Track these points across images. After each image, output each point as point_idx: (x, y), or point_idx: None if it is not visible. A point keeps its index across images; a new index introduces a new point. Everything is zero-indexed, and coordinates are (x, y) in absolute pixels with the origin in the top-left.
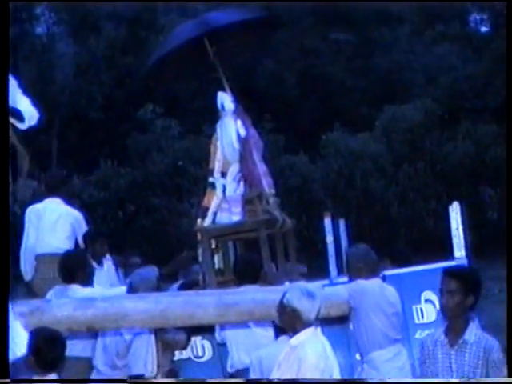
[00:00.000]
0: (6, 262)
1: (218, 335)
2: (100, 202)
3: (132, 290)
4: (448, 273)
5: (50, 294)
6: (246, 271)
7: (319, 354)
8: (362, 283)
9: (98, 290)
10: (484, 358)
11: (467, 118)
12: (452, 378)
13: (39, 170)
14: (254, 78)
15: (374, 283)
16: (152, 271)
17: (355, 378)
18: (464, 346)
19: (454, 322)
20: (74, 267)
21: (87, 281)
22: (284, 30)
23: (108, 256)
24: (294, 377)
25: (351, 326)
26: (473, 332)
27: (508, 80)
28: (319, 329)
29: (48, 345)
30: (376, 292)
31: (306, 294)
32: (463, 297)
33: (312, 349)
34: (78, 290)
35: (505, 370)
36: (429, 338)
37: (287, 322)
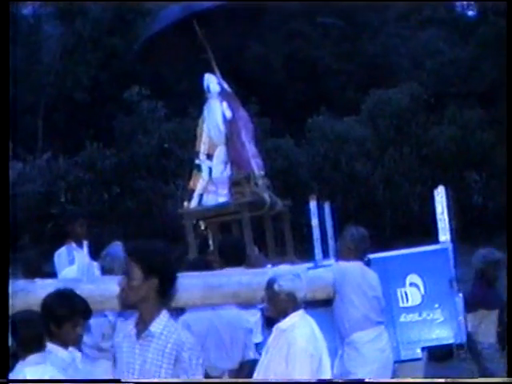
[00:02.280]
0: (6, 261)
1: None
2: (85, 183)
3: (106, 272)
4: (127, 253)
5: (72, 269)
6: (230, 253)
7: (308, 338)
8: (343, 265)
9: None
10: (172, 355)
11: (453, 103)
12: (134, 374)
13: (24, 151)
14: (241, 61)
15: (355, 266)
16: (118, 247)
17: (337, 359)
18: (149, 338)
19: (140, 311)
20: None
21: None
22: (271, 14)
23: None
24: (283, 361)
25: (333, 308)
26: (162, 323)
27: (508, 81)
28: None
29: (25, 325)
30: (357, 274)
31: (297, 276)
32: (142, 280)
33: (301, 332)
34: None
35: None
36: (121, 327)
37: (279, 308)
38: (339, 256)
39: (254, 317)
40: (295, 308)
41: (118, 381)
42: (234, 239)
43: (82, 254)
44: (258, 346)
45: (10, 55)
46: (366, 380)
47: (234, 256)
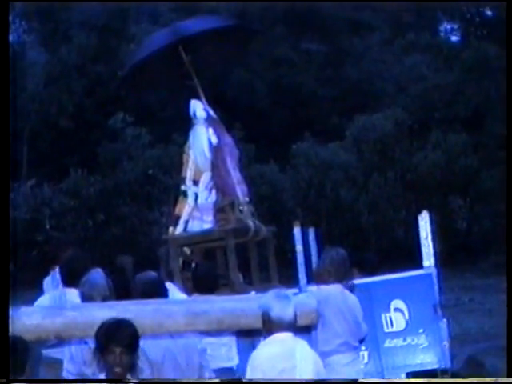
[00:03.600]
0: (6, 261)
1: None
2: (70, 210)
3: (85, 299)
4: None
5: (43, 298)
6: (202, 280)
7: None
8: (325, 289)
9: None
10: None
11: (437, 128)
12: None
13: (9, 178)
14: (225, 87)
15: (336, 289)
16: (97, 274)
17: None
18: None
19: None
20: (76, 271)
21: None
22: (255, 40)
23: None
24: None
25: (313, 332)
26: None
27: (508, 82)
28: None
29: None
30: (338, 299)
31: (285, 299)
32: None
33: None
34: (75, 294)
35: None
36: None
37: (267, 331)
38: (319, 278)
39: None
40: (283, 331)
41: (119, 381)
42: (206, 267)
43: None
44: (236, 370)
45: None
46: (366, 380)
47: (205, 283)
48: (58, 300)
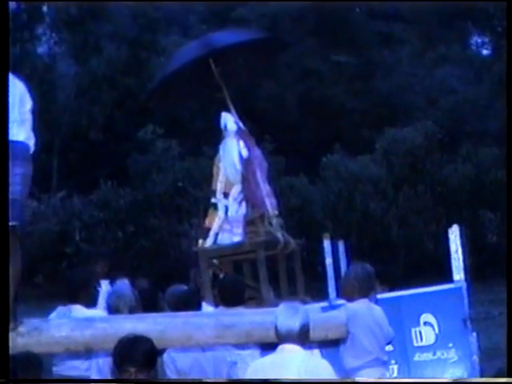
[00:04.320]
0: (6, 262)
1: None
2: (100, 222)
3: (112, 310)
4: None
5: (52, 315)
6: (229, 294)
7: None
8: (352, 306)
9: (100, 312)
10: None
11: (467, 141)
12: None
13: (39, 190)
14: (255, 100)
15: (362, 305)
16: (124, 285)
17: None
18: None
19: None
20: (78, 287)
21: (91, 301)
22: (285, 52)
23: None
24: None
25: (341, 346)
26: None
27: (508, 83)
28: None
29: (23, 369)
30: (366, 315)
31: (295, 311)
32: None
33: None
34: (80, 311)
35: None
36: None
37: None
38: (343, 294)
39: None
40: (288, 342)
41: (120, 381)
42: (233, 279)
43: (100, 293)
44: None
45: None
46: (366, 380)
47: (232, 295)
48: (62, 317)
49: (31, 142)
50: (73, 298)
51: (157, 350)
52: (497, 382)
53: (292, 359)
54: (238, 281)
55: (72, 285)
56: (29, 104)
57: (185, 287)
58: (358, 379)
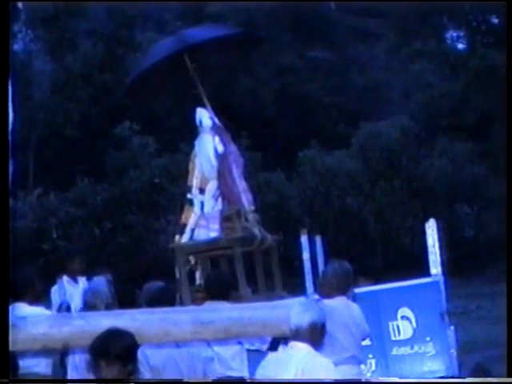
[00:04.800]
0: (6, 262)
1: None
2: (77, 219)
3: (89, 307)
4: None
5: None
6: (215, 288)
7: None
8: (328, 303)
9: (41, 310)
10: None
11: (444, 136)
12: None
13: (16, 187)
14: (231, 95)
15: (339, 302)
16: (101, 282)
17: None
18: None
19: None
20: (23, 285)
21: (35, 299)
22: (261, 48)
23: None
24: None
25: None
26: None
27: (508, 84)
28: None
29: None
30: (343, 313)
31: (301, 308)
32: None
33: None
34: (23, 309)
35: None
36: None
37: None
38: (322, 291)
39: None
40: (295, 339)
41: (121, 381)
42: (219, 273)
43: (77, 290)
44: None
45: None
46: (368, 380)
47: (219, 290)
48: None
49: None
50: (17, 296)
51: (133, 345)
52: (497, 382)
53: (293, 356)
54: (224, 275)
55: (16, 283)
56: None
57: (161, 284)
58: (358, 379)
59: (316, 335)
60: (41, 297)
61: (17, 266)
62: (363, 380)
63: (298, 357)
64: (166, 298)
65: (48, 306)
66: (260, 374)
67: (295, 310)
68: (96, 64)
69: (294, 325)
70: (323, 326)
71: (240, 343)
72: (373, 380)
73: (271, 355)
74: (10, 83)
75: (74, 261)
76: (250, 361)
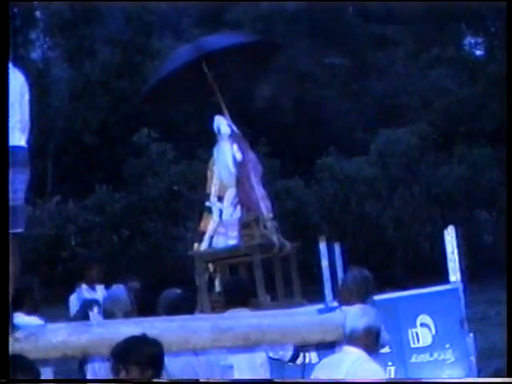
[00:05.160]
0: (6, 261)
1: None
2: (95, 226)
3: (107, 315)
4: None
5: None
6: (234, 294)
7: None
8: (347, 310)
9: (35, 319)
10: None
11: (462, 142)
12: None
13: (34, 195)
14: (249, 103)
15: (358, 309)
16: (120, 290)
17: None
18: None
19: None
20: (20, 294)
21: (33, 309)
22: (279, 55)
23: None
24: None
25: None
26: None
27: (508, 83)
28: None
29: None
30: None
31: (358, 313)
32: None
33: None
34: (20, 318)
35: None
36: None
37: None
38: (341, 298)
39: (259, 358)
40: (348, 344)
41: (121, 381)
42: (238, 280)
43: (96, 297)
44: None
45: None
46: (366, 380)
47: (237, 296)
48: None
49: (26, 130)
50: (15, 306)
51: (156, 353)
52: (497, 382)
53: (345, 360)
54: (243, 281)
55: (15, 292)
56: (27, 95)
57: (179, 291)
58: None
59: (370, 340)
60: (39, 306)
61: (35, 274)
62: (362, 380)
63: (349, 361)
64: (185, 306)
65: (66, 314)
66: (316, 375)
67: (351, 314)
68: (114, 71)
69: (349, 328)
70: (378, 331)
71: (263, 351)
72: (373, 380)
73: (327, 358)
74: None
75: (93, 268)
76: (273, 369)
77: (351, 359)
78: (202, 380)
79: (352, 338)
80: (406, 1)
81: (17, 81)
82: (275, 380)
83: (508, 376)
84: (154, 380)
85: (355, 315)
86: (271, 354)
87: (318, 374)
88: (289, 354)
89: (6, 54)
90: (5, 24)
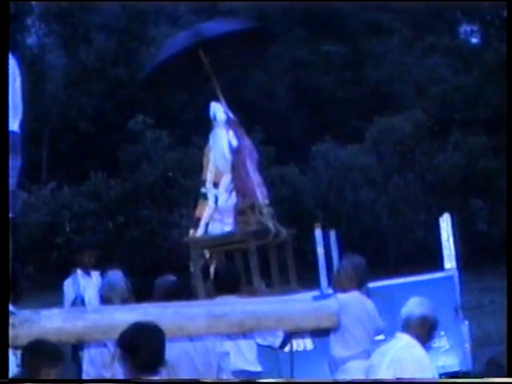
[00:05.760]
0: (6, 261)
1: None
2: (90, 212)
3: (104, 301)
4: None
5: None
6: (225, 281)
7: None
8: (342, 297)
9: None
10: None
11: (457, 130)
12: None
13: (29, 181)
14: (245, 89)
15: (354, 296)
16: (117, 276)
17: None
18: None
19: None
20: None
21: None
22: (275, 42)
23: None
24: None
25: (331, 337)
26: None
27: (508, 81)
28: None
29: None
30: (357, 305)
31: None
32: None
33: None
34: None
35: None
36: None
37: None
38: (337, 285)
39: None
40: (403, 331)
41: (120, 381)
42: (228, 266)
43: (90, 283)
44: (260, 375)
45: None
46: (366, 380)
47: (227, 283)
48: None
49: (19, 115)
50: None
51: (163, 340)
52: (497, 382)
53: (394, 346)
54: (233, 268)
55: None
56: (18, 78)
57: (173, 278)
58: (360, 379)
59: (425, 330)
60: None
61: (30, 259)
62: (363, 380)
63: (396, 347)
64: (181, 292)
65: (60, 298)
66: (369, 363)
67: (409, 303)
68: (109, 58)
69: (404, 315)
70: (434, 323)
71: (252, 338)
72: (373, 380)
73: (382, 346)
74: (19, 79)
75: (85, 253)
76: (262, 356)
77: (399, 345)
78: (203, 380)
79: (407, 326)
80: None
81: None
82: (277, 380)
83: (508, 376)
84: (154, 379)
85: (412, 304)
86: (259, 341)
87: (372, 359)
88: (278, 340)
89: (5, 55)
90: (5, 24)
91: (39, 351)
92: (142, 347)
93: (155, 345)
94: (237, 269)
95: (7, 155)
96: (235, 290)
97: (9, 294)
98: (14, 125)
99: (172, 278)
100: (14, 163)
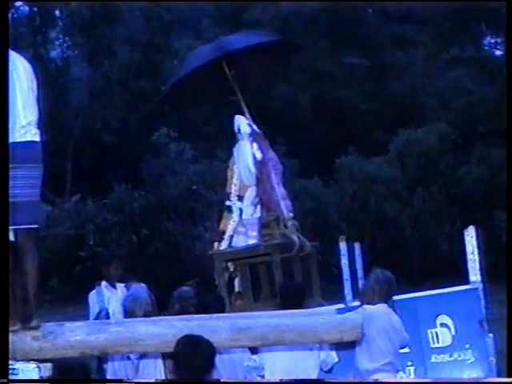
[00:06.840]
0: (6, 261)
1: None
2: (114, 225)
3: (128, 314)
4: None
5: None
6: (291, 297)
7: None
8: (369, 309)
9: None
10: None
11: (481, 142)
12: None
13: (53, 194)
14: (268, 102)
15: (381, 309)
16: (141, 289)
17: None
18: None
19: None
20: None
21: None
22: (298, 54)
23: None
24: None
25: (357, 349)
26: None
27: (508, 82)
28: None
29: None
30: (383, 318)
31: None
32: None
33: None
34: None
35: None
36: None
37: None
38: (363, 298)
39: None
40: None
41: (120, 381)
42: (293, 283)
43: (115, 296)
44: None
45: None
46: (367, 380)
47: (294, 299)
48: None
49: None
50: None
51: (213, 355)
52: (497, 382)
53: None
54: (299, 284)
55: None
56: (26, 82)
57: (188, 289)
58: (361, 380)
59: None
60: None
61: (54, 272)
62: (365, 380)
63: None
64: (216, 307)
65: (84, 311)
66: None
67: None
68: (133, 70)
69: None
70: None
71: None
72: (373, 380)
73: None
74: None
75: (111, 265)
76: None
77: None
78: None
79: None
80: (425, 0)
81: (15, 64)
82: (274, 380)
83: (508, 376)
84: (154, 380)
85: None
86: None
87: None
88: (327, 367)
89: (5, 54)
90: (5, 24)
91: (69, 373)
92: (196, 358)
93: (208, 356)
94: (302, 284)
95: (7, 161)
96: (300, 305)
97: (9, 294)
98: (36, 136)
99: (187, 288)
100: (35, 173)
